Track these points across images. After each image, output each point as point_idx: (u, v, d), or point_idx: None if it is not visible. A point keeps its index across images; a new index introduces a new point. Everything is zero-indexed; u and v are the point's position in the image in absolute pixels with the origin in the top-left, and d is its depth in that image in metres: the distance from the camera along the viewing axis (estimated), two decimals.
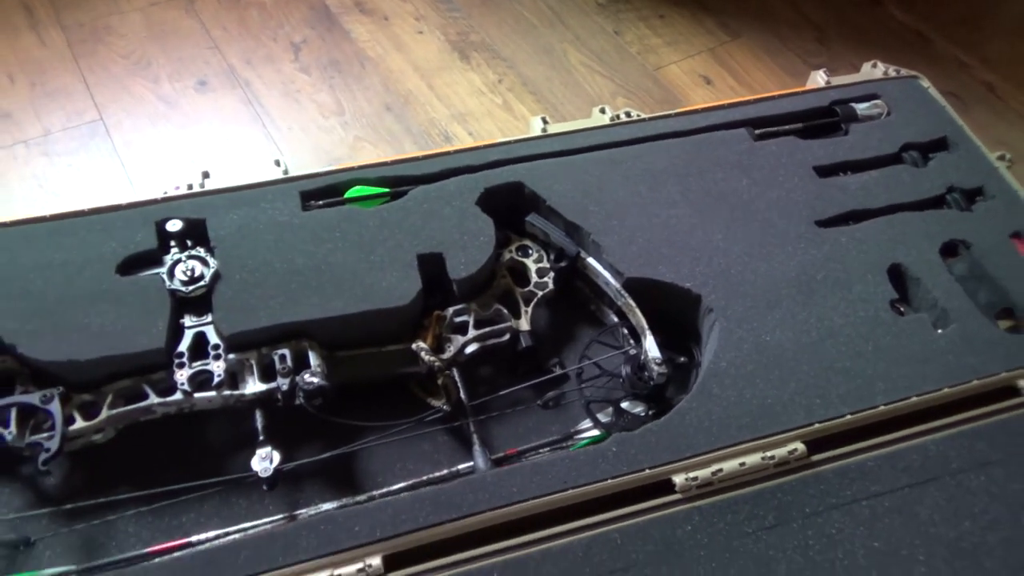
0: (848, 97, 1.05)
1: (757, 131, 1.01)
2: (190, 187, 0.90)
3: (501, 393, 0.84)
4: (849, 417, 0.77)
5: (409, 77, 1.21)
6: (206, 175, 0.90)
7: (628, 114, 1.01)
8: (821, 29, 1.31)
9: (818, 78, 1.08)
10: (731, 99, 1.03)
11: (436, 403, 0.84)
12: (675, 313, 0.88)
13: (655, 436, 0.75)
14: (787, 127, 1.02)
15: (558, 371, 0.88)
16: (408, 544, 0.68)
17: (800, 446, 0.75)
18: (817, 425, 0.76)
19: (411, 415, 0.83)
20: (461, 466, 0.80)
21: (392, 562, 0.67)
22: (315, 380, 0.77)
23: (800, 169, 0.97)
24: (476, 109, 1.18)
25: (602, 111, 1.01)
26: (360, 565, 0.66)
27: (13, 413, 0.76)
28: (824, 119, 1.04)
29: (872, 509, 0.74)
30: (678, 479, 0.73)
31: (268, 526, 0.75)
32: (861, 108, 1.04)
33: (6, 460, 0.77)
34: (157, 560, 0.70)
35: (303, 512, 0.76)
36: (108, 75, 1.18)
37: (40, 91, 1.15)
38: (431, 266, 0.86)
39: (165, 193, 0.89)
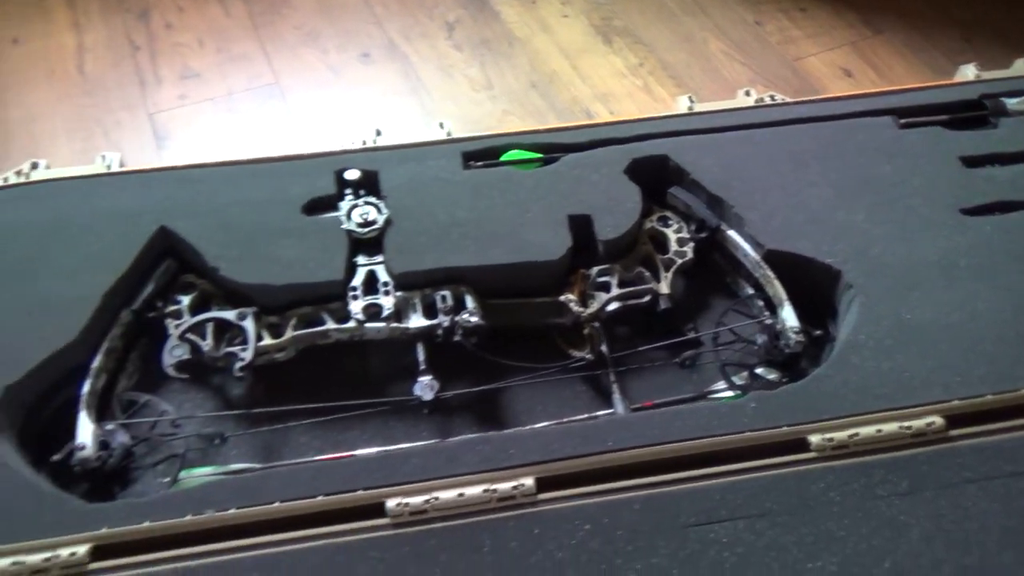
0: (998, 92, 1.04)
1: (901, 120, 1.02)
2: (364, 143, 0.98)
3: (640, 349, 0.89)
4: (990, 397, 0.78)
5: (554, 57, 1.27)
6: (379, 132, 0.99)
7: (772, 97, 1.03)
8: (967, 27, 1.30)
9: (967, 71, 1.07)
10: (877, 89, 1.04)
11: (578, 353, 0.89)
12: (811, 288, 0.90)
13: (793, 397, 0.78)
14: (933, 118, 1.03)
15: (693, 335, 0.92)
16: (557, 470, 0.73)
17: (938, 419, 0.76)
18: (956, 402, 0.77)
19: (552, 363, 0.88)
20: (599, 412, 0.85)
21: (543, 484, 0.72)
22: (474, 319, 0.84)
23: (946, 158, 0.97)
24: (617, 90, 1.23)
25: (747, 93, 1.04)
26: (515, 483, 0.72)
27: (210, 327, 0.86)
28: (972, 112, 1.04)
29: (1007, 488, 0.74)
30: (814, 439, 0.75)
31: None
32: (1011, 103, 1.03)
33: (199, 370, 0.87)
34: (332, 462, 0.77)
35: (454, 439, 0.83)
36: (283, 44, 1.29)
37: (225, 56, 1.27)
38: (580, 227, 0.91)
39: (342, 147, 0.97)
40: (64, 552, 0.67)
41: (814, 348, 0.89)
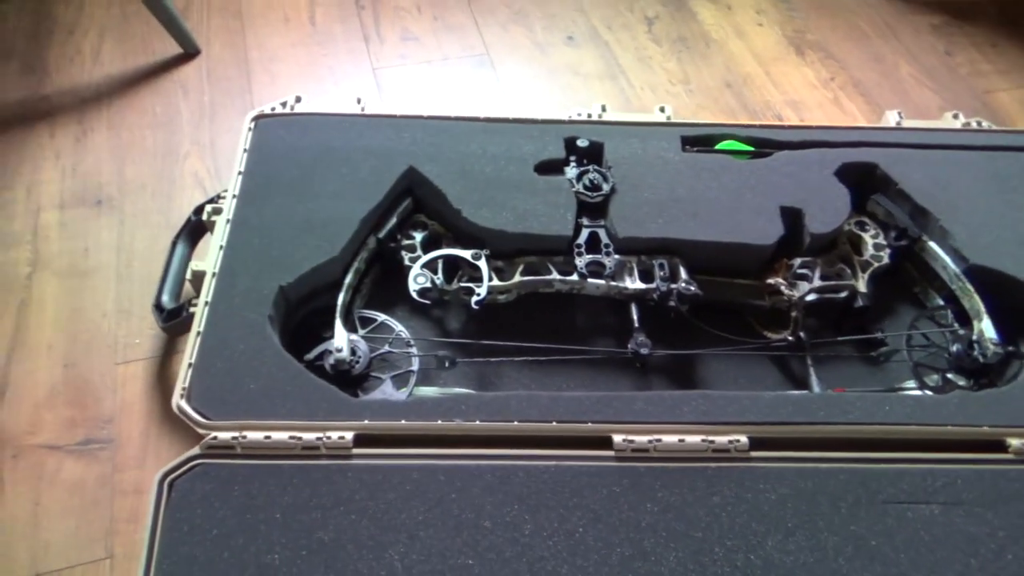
0: None
1: None
2: (589, 116, 1.05)
3: (837, 340, 0.93)
4: None
5: (747, 61, 1.32)
6: (604, 108, 1.05)
7: (979, 123, 1.06)
8: None
9: None
10: None
11: (777, 336, 0.94)
12: (1008, 306, 0.93)
13: (995, 401, 0.82)
14: None
15: (881, 335, 0.95)
16: (770, 432, 0.78)
17: None
18: None
19: (747, 340, 0.93)
20: (792, 392, 0.90)
21: (755, 443, 0.78)
22: (692, 288, 0.89)
23: None
24: (808, 99, 1.27)
25: (955, 116, 1.07)
26: (730, 438, 0.77)
27: (441, 264, 0.93)
28: None
29: None
30: (1014, 442, 0.79)
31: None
32: None
33: (421, 305, 0.94)
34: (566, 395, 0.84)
35: (677, 391, 0.88)
36: (494, 19, 1.36)
37: (440, 24, 1.35)
38: (790, 218, 0.95)
39: (569, 117, 1.04)
40: (334, 435, 0.76)
41: (1001, 365, 0.92)
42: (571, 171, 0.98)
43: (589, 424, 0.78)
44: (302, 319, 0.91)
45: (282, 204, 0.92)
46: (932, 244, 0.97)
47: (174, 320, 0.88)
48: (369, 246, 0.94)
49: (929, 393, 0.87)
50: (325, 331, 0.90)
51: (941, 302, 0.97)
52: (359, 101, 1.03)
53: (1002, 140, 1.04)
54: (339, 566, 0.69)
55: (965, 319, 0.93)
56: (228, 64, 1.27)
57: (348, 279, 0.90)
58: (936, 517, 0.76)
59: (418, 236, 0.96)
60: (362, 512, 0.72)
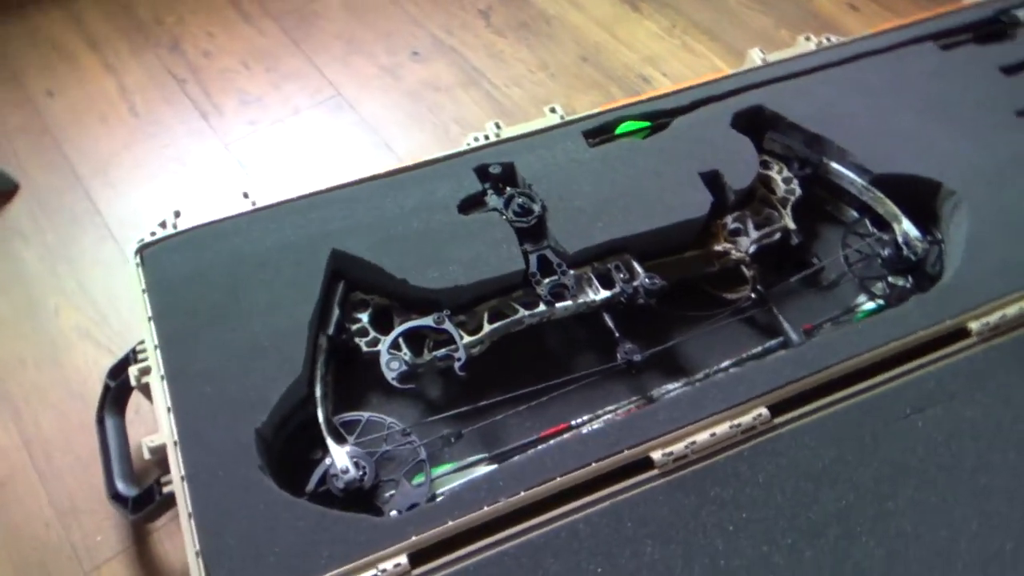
0: (1008, 6, 1.18)
1: (939, 43, 1.14)
2: (487, 137, 1.01)
3: (791, 280, 0.98)
4: None
5: (592, 30, 1.32)
6: (498, 126, 1.02)
7: (829, 39, 1.13)
8: None
9: None
10: (907, 19, 1.16)
11: (736, 296, 0.97)
12: (913, 202, 1.01)
13: (946, 292, 0.89)
14: (962, 38, 1.16)
15: (817, 262, 1.02)
16: (785, 395, 0.81)
17: None
18: None
19: (709, 310, 0.96)
20: (771, 342, 0.94)
21: (776, 410, 0.81)
22: (657, 281, 0.90)
23: (988, 71, 1.10)
24: (661, 52, 1.30)
25: (807, 39, 1.13)
26: (754, 414, 0.80)
27: (402, 340, 0.88)
28: (991, 27, 1.17)
29: None
30: (974, 325, 0.87)
31: (631, 406, 0.89)
32: (1021, 14, 1.18)
33: (392, 387, 0.89)
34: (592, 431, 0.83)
35: (657, 391, 0.90)
36: (330, 56, 1.28)
37: (276, 75, 1.25)
38: (711, 182, 0.98)
39: (468, 145, 1.00)
40: (388, 565, 0.70)
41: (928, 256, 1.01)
42: (494, 200, 0.95)
43: (625, 452, 0.78)
44: (279, 449, 0.83)
45: (215, 337, 0.83)
46: (834, 165, 1.03)
47: (146, 507, 0.78)
48: (322, 347, 0.87)
49: (882, 303, 0.95)
50: (307, 451, 0.83)
51: (856, 215, 1.05)
52: (246, 195, 0.93)
53: (852, 50, 1.12)
54: None
55: (883, 224, 1.01)
56: (58, 190, 1.11)
57: (318, 391, 0.83)
58: (940, 417, 0.83)
59: (364, 316, 0.90)
60: None
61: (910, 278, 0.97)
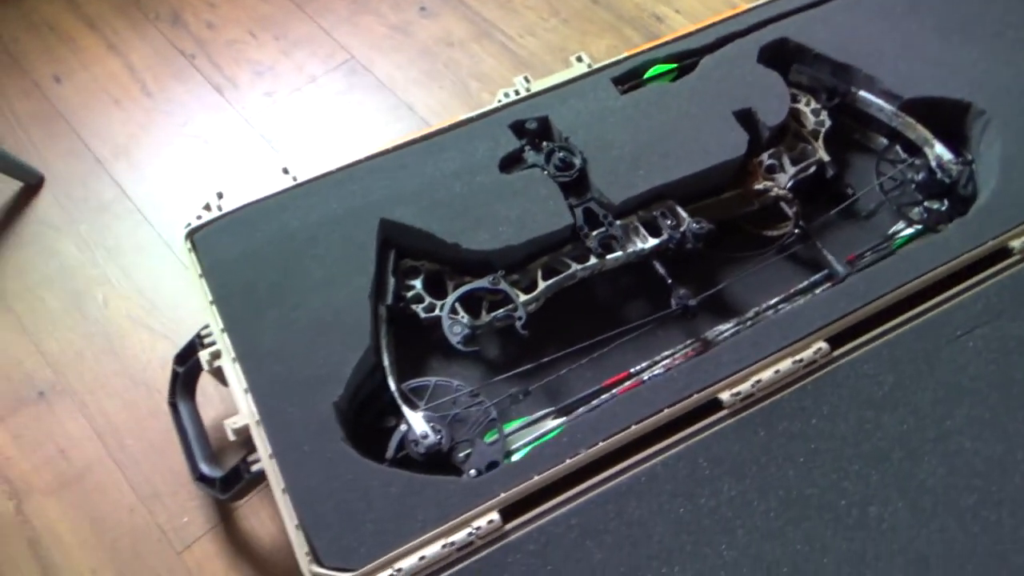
0: None
1: None
2: (517, 92, 1.01)
3: (832, 213, 0.99)
4: None
5: None
6: (527, 79, 1.01)
7: None
8: None
9: None
10: None
11: (778, 232, 0.99)
12: (942, 125, 1.02)
13: (985, 214, 0.91)
14: None
15: (852, 193, 1.03)
16: (843, 326, 0.84)
17: None
18: None
19: (750, 253, 0.97)
20: (816, 276, 0.96)
21: (834, 343, 0.83)
22: (705, 225, 0.91)
23: None
24: None
25: None
26: (814, 348, 0.82)
27: (458, 304, 0.89)
28: None
29: None
30: (1016, 243, 0.89)
31: (687, 350, 0.91)
32: None
33: (452, 350, 0.90)
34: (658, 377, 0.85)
35: (710, 333, 0.92)
36: (337, 17, 1.25)
37: (286, 43, 1.22)
38: (745, 120, 0.98)
39: (499, 101, 1.00)
40: (481, 522, 0.73)
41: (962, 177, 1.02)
42: (533, 156, 0.95)
43: (694, 396, 0.80)
44: (352, 421, 0.85)
45: (278, 316, 0.84)
46: (862, 93, 1.04)
47: (235, 486, 0.79)
48: (383, 317, 0.88)
49: (920, 228, 0.97)
50: (376, 420, 0.85)
51: (886, 142, 1.06)
52: (286, 171, 0.93)
53: None
54: None
55: (914, 150, 1.03)
56: (83, 177, 1.10)
57: (386, 360, 0.85)
58: (988, 336, 0.86)
59: (417, 283, 0.91)
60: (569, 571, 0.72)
61: (945, 201, 0.99)
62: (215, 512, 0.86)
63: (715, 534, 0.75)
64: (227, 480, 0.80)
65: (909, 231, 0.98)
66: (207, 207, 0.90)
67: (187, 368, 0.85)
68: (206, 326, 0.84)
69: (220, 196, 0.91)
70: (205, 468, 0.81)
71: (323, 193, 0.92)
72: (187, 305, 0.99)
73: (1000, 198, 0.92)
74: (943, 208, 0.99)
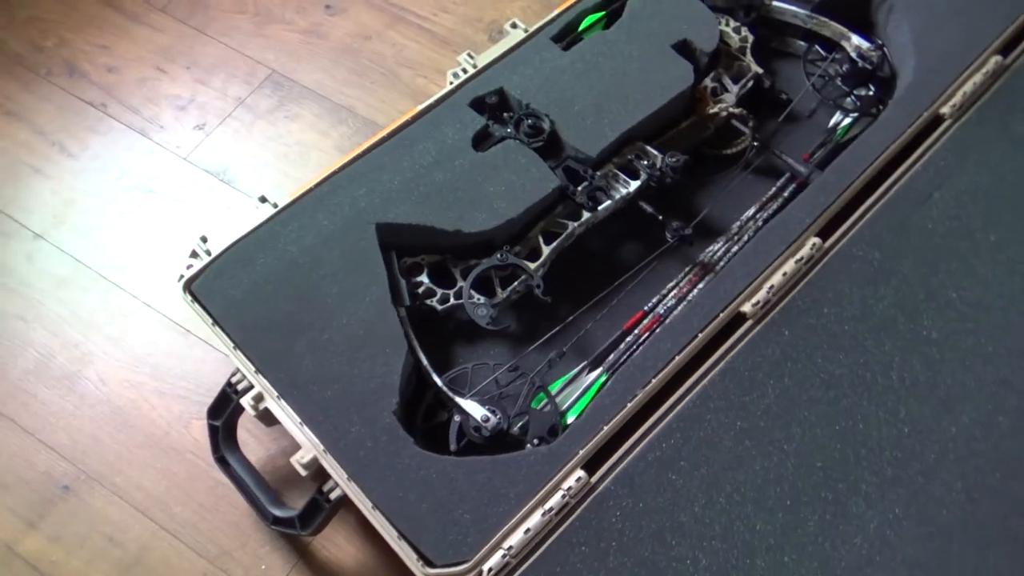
0: None
1: None
2: (465, 71, 1.01)
3: (779, 120, 1.06)
4: None
5: None
6: (471, 55, 1.02)
7: None
8: None
9: None
10: None
11: (736, 148, 1.05)
12: (850, 18, 1.11)
13: (914, 90, 1.00)
14: None
15: (786, 97, 1.10)
16: (826, 219, 0.91)
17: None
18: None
19: (718, 175, 1.03)
20: (781, 180, 1.03)
21: (824, 234, 0.90)
22: (679, 157, 0.96)
23: None
24: None
25: None
26: (809, 245, 0.89)
27: (469, 284, 0.91)
28: None
29: None
30: (946, 109, 0.99)
31: (690, 275, 0.96)
32: None
33: (472, 332, 0.93)
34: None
35: (704, 256, 0.97)
36: (244, 34, 1.20)
37: (198, 71, 1.16)
38: (685, 51, 1.03)
39: (451, 83, 1.00)
40: (571, 482, 0.76)
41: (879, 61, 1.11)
42: (501, 130, 0.97)
43: (721, 315, 0.86)
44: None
45: (309, 342, 0.83)
46: (776, 3, 1.11)
47: (316, 518, 0.79)
48: (406, 319, 0.88)
49: (856, 115, 1.06)
50: (428, 418, 0.87)
51: (805, 44, 1.13)
52: (264, 199, 0.90)
53: None
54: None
55: (832, 46, 1.11)
56: (28, 256, 1.02)
57: (424, 360, 0.86)
58: (945, 196, 0.95)
59: (423, 278, 0.92)
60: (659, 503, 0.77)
61: (871, 86, 1.08)
62: (291, 551, 0.85)
63: (772, 432, 0.82)
64: (305, 516, 0.79)
65: (847, 120, 1.07)
66: (194, 254, 0.87)
67: (225, 419, 0.83)
68: (235, 372, 0.82)
69: (205, 240, 0.88)
70: (278, 511, 0.80)
71: (309, 213, 0.90)
72: (190, 357, 0.95)
73: (922, 74, 1.02)
74: (871, 93, 1.08)
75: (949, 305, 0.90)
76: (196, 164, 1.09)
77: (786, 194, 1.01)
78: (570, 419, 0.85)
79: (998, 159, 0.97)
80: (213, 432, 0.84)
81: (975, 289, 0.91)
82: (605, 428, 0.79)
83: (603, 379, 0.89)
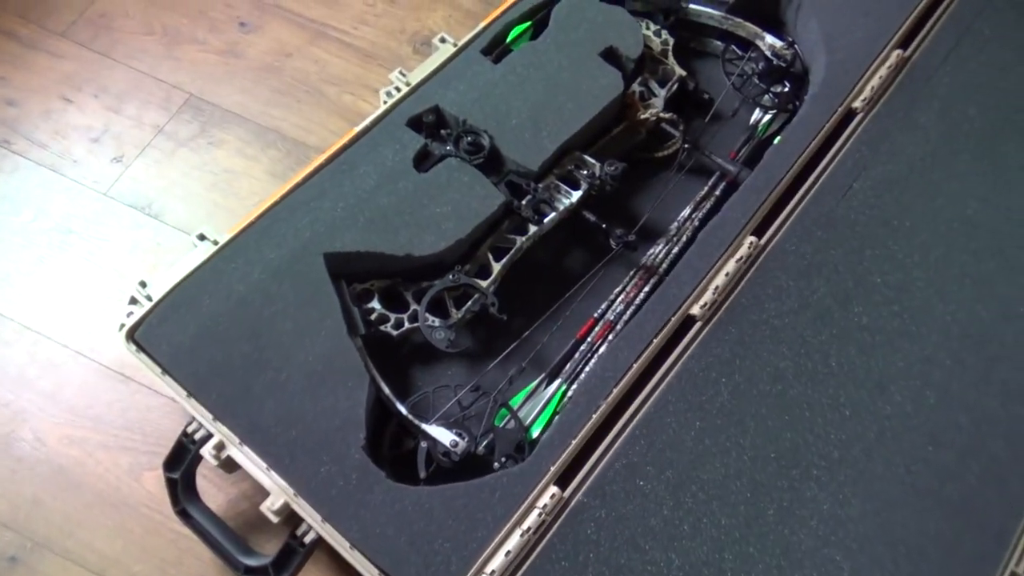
0: None
1: None
2: (398, 89, 0.99)
3: (706, 122, 1.09)
4: None
5: None
6: (403, 73, 1.00)
7: None
8: None
9: None
10: None
11: (669, 150, 1.07)
12: (761, 18, 1.15)
13: (827, 85, 1.06)
14: None
15: (708, 97, 1.14)
16: (760, 217, 0.95)
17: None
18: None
19: (652, 178, 1.06)
20: (712, 179, 1.06)
21: (759, 232, 0.94)
22: (617, 164, 0.97)
23: None
24: None
25: None
26: (747, 244, 0.93)
27: (423, 305, 0.90)
28: None
29: None
30: (858, 103, 1.04)
31: (635, 279, 0.98)
32: None
33: (428, 353, 0.92)
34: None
35: (646, 258, 1.00)
36: (155, 57, 1.13)
37: (109, 99, 1.10)
38: (612, 59, 1.05)
39: (385, 102, 0.98)
40: (545, 499, 0.78)
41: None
42: (440, 148, 0.96)
43: (672, 320, 0.88)
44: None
45: (267, 383, 0.80)
46: (692, 6, 1.14)
47: (291, 564, 0.77)
48: (362, 348, 0.86)
49: (774, 112, 1.10)
50: (394, 447, 0.86)
51: (720, 43, 1.17)
52: (203, 237, 0.87)
53: None
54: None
55: (747, 45, 1.15)
56: None
57: (386, 390, 0.85)
58: (863, 186, 1.00)
59: (375, 304, 0.90)
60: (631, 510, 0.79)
61: (786, 83, 1.13)
62: None
63: (728, 429, 0.85)
64: (279, 562, 0.77)
65: (767, 117, 1.12)
66: (134, 301, 0.83)
67: (184, 470, 0.80)
68: (190, 422, 0.79)
69: (144, 285, 0.84)
70: (249, 560, 0.78)
71: (253, 247, 0.87)
72: (134, 406, 0.91)
73: (832, 70, 1.07)
74: (787, 89, 1.13)
75: (875, 290, 0.96)
76: (118, 199, 1.03)
77: (718, 192, 1.05)
78: (535, 432, 0.87)
79: (906, 148, 1.03)
80: (172, 485, 0.80)
81: (896, 274, 0.97)
82: (574, 442, 0.81)
83: (563, 389, 0.90)
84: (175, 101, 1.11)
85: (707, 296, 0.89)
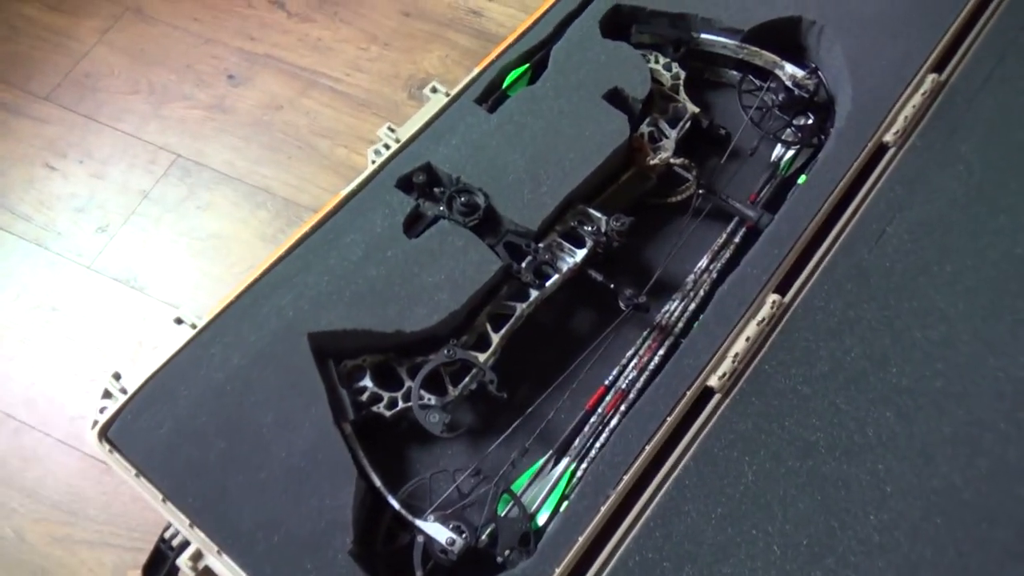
0: None
1: None
2: (387, 147, 0.93)
3: (722, 163, 1.01)
4: None
5: None
6: (392, 129, 0.94)
7: None
8: None
9: None
10: None
11: (681, 196, 0.99)
12: (781, 45, 1.06)
13: (855, 118, 0.97)
14: None
15: (724, 131, 1.05)
16: (783, 272, 0.87)
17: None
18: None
19: (666, 226, 0.98)
20: (731, 225, 0.98)
21: (782, 290, 0.86)
22: (625, 219, 0.90)
23: None
24: None
25: None
26: (769, 303, 0.85)
27: (418, 383, 0.84)
28: None
29: None
30: (889, 137, 0.95)
31: (649, 342, 0.91)
32: None
33: (423, 436, 0.85)
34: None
35: (660, 316, 0.92)
36: (140, 116, 1.10)
37: (93, 164, 1.06)
38: (617, 101, 0.97)
39: (373, 162, 0.92)
40: None
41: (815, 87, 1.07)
42: (434, 208, 0.90)
43: (687, 394, 0.81)
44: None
45: (245, 483, 0.75)
46: (704, 35, 1.06)
47: None
48: (352, 435, 0.81)
49: (798, 147, 1.02)
50: (388, 543, 0.80)
51: (737, 74, 1.09)
52: (180, 321, 0.82)
53: None
54: None
55: (765, 75, 1.06)
56: None
57: (377, 481, 0.78)
58: (898, 230, 0.92)
59: (367, 382, 0.84)
60: None
61: (810, 114, 1.04)
62: None
63: (754, 515, 0.77)
64: None
65: (790, 153, 1.03)
66: (107, 394, 0.78)
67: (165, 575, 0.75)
68: (168, 527, 0.74)
69: (118, 377, 0.79)
70: None
71: (233, 330, 0.82)
72: (117, 498, 0.86)
73: (860, 99, 0.98)
74: (810, 121, 1.04)
75: (915, 347, 0.86)
76: (102, 272, 0.99)
77: (737, 240, 0.97)
78: (541, 519, 0.80)
79: (946, 183, 0.94)
80: None
81: (939, 327, 0.88)
82: (580, 539, 0.73)
83: (571, 469, 0.83)
84: (161, 163, 1.06)
85: (726, 365, 0.81)
